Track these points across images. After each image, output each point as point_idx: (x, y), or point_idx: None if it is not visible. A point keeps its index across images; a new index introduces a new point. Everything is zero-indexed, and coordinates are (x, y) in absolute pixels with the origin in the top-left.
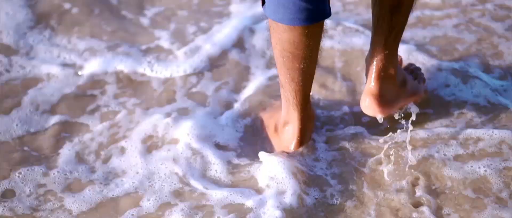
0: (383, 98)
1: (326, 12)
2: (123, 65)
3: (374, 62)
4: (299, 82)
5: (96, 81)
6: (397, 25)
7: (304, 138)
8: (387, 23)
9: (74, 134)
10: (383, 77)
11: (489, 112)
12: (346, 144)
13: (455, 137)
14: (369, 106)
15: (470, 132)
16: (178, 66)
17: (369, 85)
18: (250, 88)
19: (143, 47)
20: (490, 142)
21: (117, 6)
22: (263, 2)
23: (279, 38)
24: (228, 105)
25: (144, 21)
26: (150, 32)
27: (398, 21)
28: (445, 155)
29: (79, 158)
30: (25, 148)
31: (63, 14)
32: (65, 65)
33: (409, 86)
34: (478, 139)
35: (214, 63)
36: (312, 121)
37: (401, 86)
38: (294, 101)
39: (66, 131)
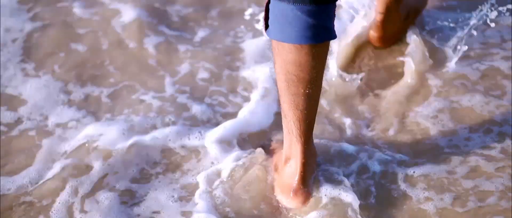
0: (385, 37)
1: (332, 32)
2: None
3: (380, 14)
4: (304, 110)
5: None
6: None
7: (307, 173)
8: None
9: None
10: (388, 19)
11: None
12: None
13: None
14: (374, 41)
15: None
16: None
17: (375, 26)
18: None
19: None
20: None
21: None
22: (267, 26)
23: (283, 60)
24: None
25: None
26: None
27: None
28: None
29: None
30: None
31: None
32: None
33: (412, 10)
34: None
35: None
36: (314, 158)
37: (405, 19)
38: (298, 132)
39: None
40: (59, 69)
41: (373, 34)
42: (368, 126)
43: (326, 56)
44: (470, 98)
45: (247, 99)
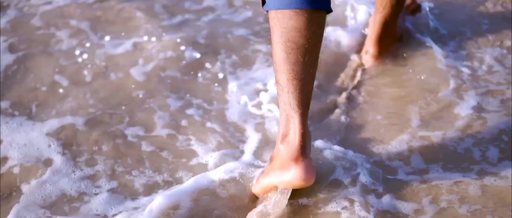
0: (379, 56)
1: (329, 4)
2: None
3: (376, 28)
4: (302, 79)
5: None
6: (398, 9)
7: (307, 144)
8: (389, 9)
9: None
10: (381, 41)
11: None
12: None
13: None
14: (367, 62)
15: None
16: None
17: (369, 46)
18: None
19: None
20: None
21: None
22: (263, 3)
23: (284, 28)
24: None
25: None
26: None
27: (399, 7)
28: None
29: None
30: None
31: None
32: None
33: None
34: None
35: None
36: (310, 140)
37: (399, 40)
38: (296, 103)
39: None
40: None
41: (369, 50)
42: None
43: (324, 26)
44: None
45: None
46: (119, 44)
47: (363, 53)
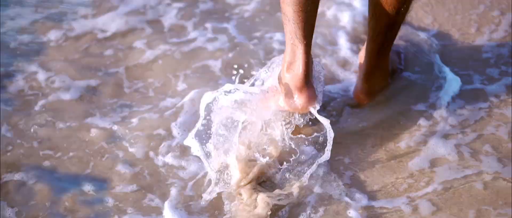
0: (371, 94)
1: None
2: None
3: (366, 64)
4: (308, 12)
5: None
6: (391, 38)
7: (309, 73)
8: (382, 37)
9: None
10: (373, 77)
11: None
12: None
13: None
14: (359, 100)
15: None
16: None
17: (360, 84)
18: None
19: None
20: None
21: None
22: None
23: None
24: None
25: None
26: None
27: (392, 35)
28: None
29: None
30: None
31: None
32: None
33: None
34: None
35: None
36: (312, 67)
37: (390, 77)
38: (301, 33)
39: None
40: None
41: (361, 86)
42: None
43: None
44: None
45: None
46: None
47: (353, 90)
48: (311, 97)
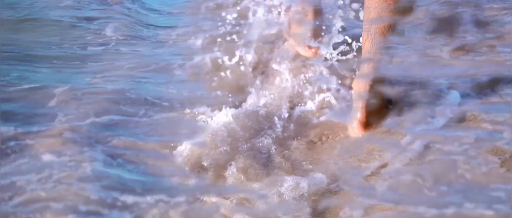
0: (369, 124)
1: None
2: None
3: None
4: None
5: None
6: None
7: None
8: (374, 69)
9: None
10: (369, 106)
11: None
12: None
13: None
14: (357, 132)
15: None
16: None
17: (358, 115)
18: None
19: None
20: None
21: None
22: None
23: None
24: None
25: None
26: None
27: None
28: None
29: None
30: None
31: None
32: None
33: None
34: None
35: None
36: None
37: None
38: None
39: None
40: None
41: (358, 118)
42: None
43: None
44: None
45: None
46: None
47: (349, 122)
48: (314, 53)
